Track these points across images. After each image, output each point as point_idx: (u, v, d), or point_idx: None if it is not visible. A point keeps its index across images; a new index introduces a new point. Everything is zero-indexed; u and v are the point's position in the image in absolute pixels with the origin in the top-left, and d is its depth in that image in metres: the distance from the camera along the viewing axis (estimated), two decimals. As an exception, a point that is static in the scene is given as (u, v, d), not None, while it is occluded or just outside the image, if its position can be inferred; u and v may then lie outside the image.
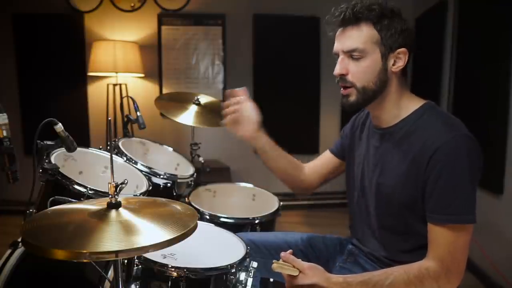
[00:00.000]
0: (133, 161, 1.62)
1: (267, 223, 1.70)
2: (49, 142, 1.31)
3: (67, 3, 3.63)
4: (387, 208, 1.17)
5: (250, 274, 1.15)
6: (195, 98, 1.97)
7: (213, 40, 3.84)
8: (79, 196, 1.25)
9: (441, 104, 2.96)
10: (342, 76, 1.13)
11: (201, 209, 1.66)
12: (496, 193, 2.33)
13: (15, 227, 1.15)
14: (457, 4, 2.83)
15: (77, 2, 3.65)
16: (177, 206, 0.93)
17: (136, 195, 1.39)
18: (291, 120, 3.88)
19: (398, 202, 1.13)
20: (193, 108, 1.94)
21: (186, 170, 1.92)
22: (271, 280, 1.42)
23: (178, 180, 1.70)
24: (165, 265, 1.09)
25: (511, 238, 2.27)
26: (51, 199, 1.16)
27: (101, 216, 0.82)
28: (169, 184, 1.67)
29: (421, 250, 1.09)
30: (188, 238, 0.79)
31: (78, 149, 1.36)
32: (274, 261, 1.07)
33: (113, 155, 0.99)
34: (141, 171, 1.60)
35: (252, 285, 1.14)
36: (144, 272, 1.10)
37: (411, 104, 1.16)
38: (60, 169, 1.27)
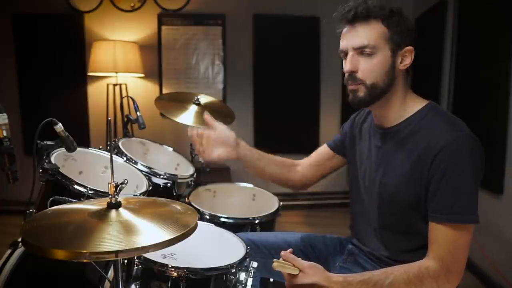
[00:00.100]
0: (133, 161, 1.62)
1: (267, 223, 1.70)
2: (49, 142, 1.31)
3: (67, 3, 3.63)
4: (390, 208, 1.17)
5: (250, 274, 1.15)
6: (195, 98, 1.96)
7: (213, 40, 3.84)
8: (79, 196, 1.25)
9: (441, 104, 2.96)
10: (352, 73, 1.12)
11: (201, 209, 1.66)
12: (496, 193, 2.33)
13: (15, 227, 1.15)
14: (457, 4, 2.83)
15: (77, 2, 3.65)
16: (177, 206, 0.93)
17: (136, 195, 1.39)
18: (291, 120, 3.88)
19: (401, 202, 1.13)
20: (193, 108, 1.93)
21: (186, 170, 1.92)
22: (271, 280, 1.42)
23: (178, 180, 1.70)
24: (165, 265, 1.09)
25: (511, 238, 2.27)
26: (51, 199, 1.16)
27: (101, 216, 0.82)
28: (169, 184, 1.67)
29: (423, 250, 1.09)
30: (188, 238, 0.79)
31: (78, 149, 1.36)
32: (274, 260, 1.07)
33: (113, 155, 0.99)
34: (141, 171, 1.60)
35: (252, 285, 1.14)
36: (144, 272, 1.10)
37: (415, 104, 1.17)
38: (60, 169, 1.27)
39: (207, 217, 1.64)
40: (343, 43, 1.15)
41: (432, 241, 1.06)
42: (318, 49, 3.87)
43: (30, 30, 3.63)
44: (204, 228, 1.39)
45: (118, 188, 0.87)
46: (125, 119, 1.92)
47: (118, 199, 0.86)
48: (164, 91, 3.82)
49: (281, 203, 1.83)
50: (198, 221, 0.85)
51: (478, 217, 1.04)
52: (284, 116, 3.86)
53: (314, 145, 4.23)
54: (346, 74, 1.14)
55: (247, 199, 1.99)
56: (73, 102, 3.74)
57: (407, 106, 1.17)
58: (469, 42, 2.71)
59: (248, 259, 1.19)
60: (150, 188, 1.51)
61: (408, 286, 1.03)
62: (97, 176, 1.56)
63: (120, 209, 0.85)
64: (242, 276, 1.14)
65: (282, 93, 3.87)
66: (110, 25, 3.71)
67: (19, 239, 1.30)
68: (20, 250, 1.31)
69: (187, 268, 1.08)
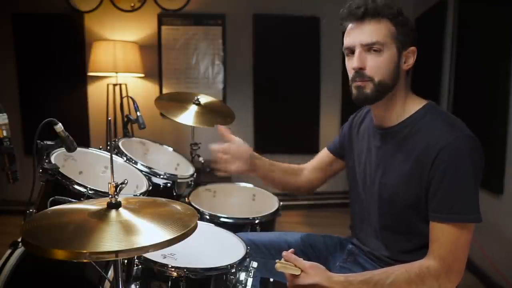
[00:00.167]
0: (133, 161, 1.62)
1: (267, 223, 1.70)
2: (49, 142, 1.31)
3: (67, 3, 3.63)
4: (390, 208, 1.17)
5: (250, 274, 1.15)
6: (195, 98, 1.97)
7: (213, 40, 3.84)
8: (79, 196, 1.25)
9: (441, 104, 2.96)
10: (360, 70, 1.11)
11: (201, 209, 1.66)
12: (496, 193, 2.33)
13: (15, 227, 1.15)
14: (457, 4, 2.83)
15: (77, 2, 3.65)
16: (177, 206, 0.93)
17: (136, 195, 1.39)
18: (291, 120, 3.88)
19: (401, 202, 1.14)
20: (193, 108, 1.94)
21: (186, 170, 1.92)
22: (271, 280, 1.42)
23: (178, 180, 1.70)
24: (165, 265, 1.09)
25: (511, 238, 2.27)
26: (51, 199, 1.16)
27: (101, 216, 0.82)
28: (169, 184, 1.67)
29: (423, 250, 1.09)
30: (188, 238, 0.79)
31: (78, 149, 1.36)
32: (277, 261, 1.07)
33: (113, 155, 0.99)
34: (141, 171, 1.60)
35: (252, 285, 1.14)
36: (144, 272, 1.10)
37: (414, 104, 1.17)
38: (60, 169, 1.27)
39: (207, 217, 1.64)
40: (349, 40, 1.13)
41: (433, 241, 1.06)
42: (318, 49, 3.87)
43: (30, 30, 3.63)
44: (204, 228, 1.39)
45: (118, 188, 0.87)
46: (125, 119, 1.92)
47: (118, 199, 0.86)
48: (164, 91, 3.82)
49: (281, 203, 1.83)
50: (198, 221, 0.85)
51: (481, 216, 1.04)
52: (284, 116, 3.86)
53: (314, 145, 4.21)
54: (353, 71, 1.12)
55: (247, 199, 1.99)
56: (73, 102, 3.74)
57: (407, 107, 1.17)
58: (469, 42, 2.71)
59: (248, 259, 1.19)
60: (150, 188, 1.51)
61: (409, 285, 1.03)
62: (97, 176, 1.56)
63: (120, 209, 0.85)
64: (242, 276, 1.14)
65: (282, 93, 3.87)
66: (110, 25, 3.71)
67: (19, 239, 1.30)
68: (20, 250, 1.31)
69: (187, 268, 1.08)
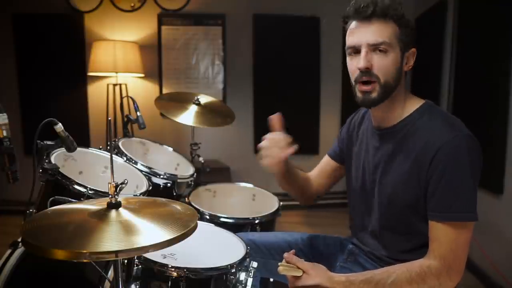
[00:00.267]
0: (133, 161, 1.62)
1: (267, 223, 1.70)
2: (49, 142, 1.31)
3: (67, 3, 3.63)
4: (389, 208, 1.17)
5: (250, 274, 1.15)
6: (195, 98, 1.97)
7: (213, 40, 3.84)
8: (79, 196, 1.25)
9: (441, 104, 2.96)
10: (367, 70, 1.09)
11: (201, 209, 1.66)
12: (496, 193, 2.33)
13: (15, 227, 1.15)
14: (457, 4, 2.83)
15: (77, 2, 3.65)
16: (177, 206, 0.93)
17: (136, 195, 1.39)
18: (291, 120, 3.82)
19: (400, 202, 1.14)
20: (193, 108, 1.94)
21: (186, 170, 1.92)
22: (271, 280, 1.42)
23: (178, 180, 1.70)
24: (165, 265, 1.09)
25: (511, 238, 2.27)
26: (51, 199, 1.16)
27: (101, 216, 0.82)
28: (169, 184, 1.67)
29: (422, 250, 1.09)
30: (188, 238, 0.79)
31: (78, 149, 1.36)
32: (279, 264, 1.07)
33: (113, 155, 0.99)
34: (141, 171, 1.60)
35: (252, 285, 1.14)
36: (144, 272, 1.10)
37: (412, 104, 1.17)
38: (60, 169, 1.27)
39: (207, 217, 1.64)
40: (353, 39, 1.11)
41: (433, 240, 1.06)
42: (318, 49, 3.87)
43: (30, 30, 3.63)
44: (204, 228, 1.39)
45: (118, 188, 0.87)
46: (125, 119, 1.92)
47: (118, 199, 0.86)
48: (164, 91, 3.82)
49: (281, 203, 1.83)
50: (198, 221, 0.85)
51: (477, 215, 1.04)
52: (284, 116, 3.85)
53: (314, 145, 4.19)
54: (357, 72, 1.11)
55: (247, 199, 1.99)
56: (73, 102, 3.74)
57: (405, 107, 1.17)
58: (469, 42, 2.71)
59: (248, 259, 1.19)
60: (150, 188, 1.51)
61: (410, 284, 1.03)
62: (97, 176, 1.56)
63: (120, 209, 0.85)
64: (242, 276, 1.14)
65: (282, 93, 3.86)
66: (110, 25, 3.71)
67: (19, 239, 1.30)
68: (20, 250, 1.31)
69: (187, 268, 1.08)
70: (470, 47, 2.70)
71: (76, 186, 1.26)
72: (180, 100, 1.98)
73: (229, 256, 1.17)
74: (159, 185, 1.64)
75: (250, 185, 2.03)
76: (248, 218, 1.66)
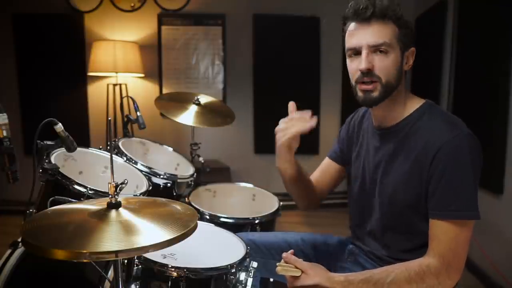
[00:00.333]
0: (133, 161, 1.62)
1: (267, 223, 1.70)
2: (49, 142, 1.31)
3: (67, 3, 3.63)
4: (390, 208, 1.17)
5: (250, 274, 1.15)
6: (195, 98, 1.97)
7: (213, 40, 3.84)
8: (79, 196, 1.25)
9: (441, 104, 2.96)
10: (369, 71, 1.10)
11: (201, 209, 1.66)
12: (496, 193, 2.33)
13: (15, 227, 1.15)
14: (457, 4, 2.83)
15: (77, 2, 3.65)
16: (177, 206, 0.93)
17: (136, 195, 1.39)
18: (291, 120, 3.87)
19: (402, 202, 1.14)
20: (193, 108, 1.94)
21: (186, 170, 1.92)
22: (271, 280, 1.42)
23: (178, 180, 1.70)
24: (165, 265, 1.09)
25: (511, 238, 2.27)
26: (51, 199, 1.16)
27: (101, 216, 0.82)
28: (169, 184, 1.67)
29: (423, 249, 1.09)
30: (188, 238, 0.79)
31: (78, 149, 1.36)
32: (277, 264, 1.07)
33: (113, 155, 0.99)
34: (141, 171, 1.60)
35: (252, 285, 1.14)
36: (144, 272, 1.10)
37: (412, 104, 1.17)
38: (60, 169, 1.27)
39: (207, 217, 1.64)
40: (354, 40, 1.12)
41: (433, 238, 1.07)
42: (318, 49, 3.87)
43: (30, 30, 3.63)
44: (204, 228, 1.39)
45: (118, 188, 0.87)
46: (125, 119, 1.92)
47: (118, 199, 0.86)
48: (164, 91, 3.82)
49: (281, 203, 1.83)
50: (198, 221, 0.85)
51: (479, 213, 1.04)
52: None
53: (314, 145, 4.20)
54: (358, 73, 1.11)
55: (247, 199, 1.99)
56: (73, 102, 3.74)
57: (406, 106, 1.17)
58: (469, 42, 2.71)
59: (248, 259, 1.19)
60: (150, 188, 1.51)
61: (409, 283, 1.03)
62: (97, 176, 1.56)
63: (120, 209, 0.85)
64: (242, 276, 1.14)
65: (282, 93, 3.85)
66: (110, 25, 3.71)
67: (19, 239, 1.30)
68: (20, 250, 1.31)
69: (187, 268, 1.08)
70: (470, 47, 2.70)
71: (76, 186, 1.26)
72: (180, 100, 1.98)
73: (229, 256, 1.17)
74: (159, 185, 1.64)
75: (250, 185, 2.03)
76: (248, 218, 1.66)
